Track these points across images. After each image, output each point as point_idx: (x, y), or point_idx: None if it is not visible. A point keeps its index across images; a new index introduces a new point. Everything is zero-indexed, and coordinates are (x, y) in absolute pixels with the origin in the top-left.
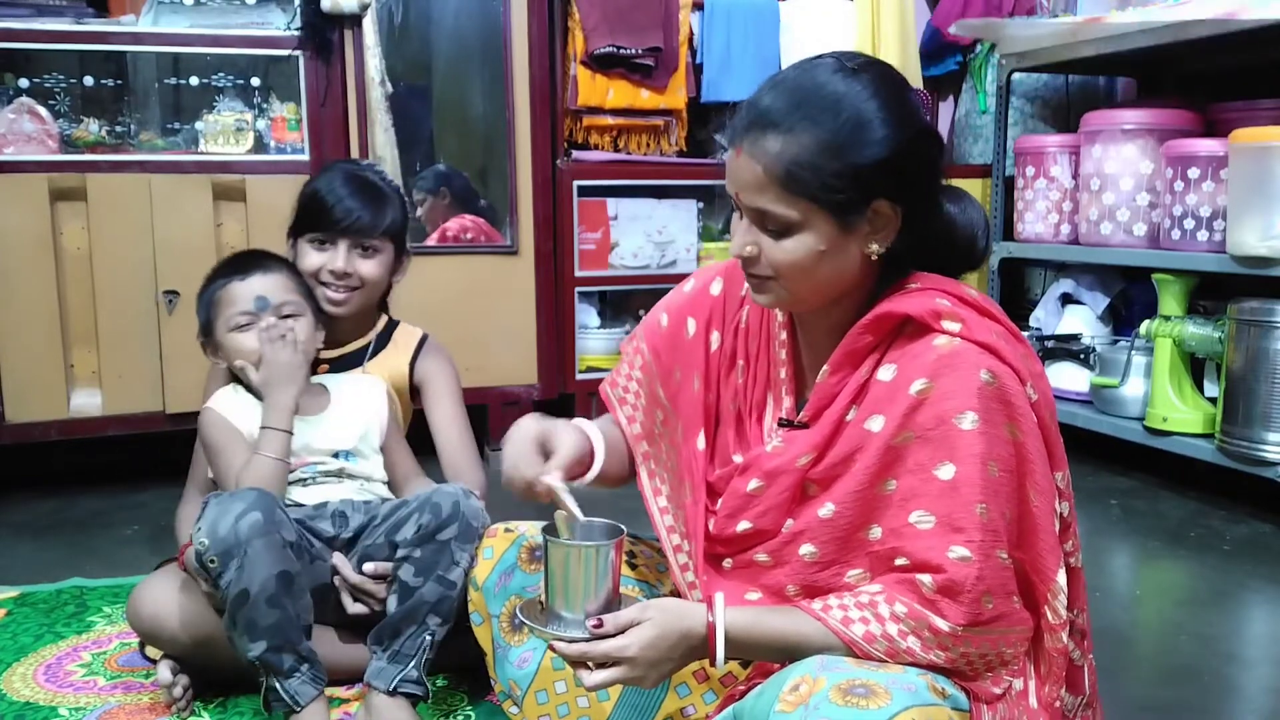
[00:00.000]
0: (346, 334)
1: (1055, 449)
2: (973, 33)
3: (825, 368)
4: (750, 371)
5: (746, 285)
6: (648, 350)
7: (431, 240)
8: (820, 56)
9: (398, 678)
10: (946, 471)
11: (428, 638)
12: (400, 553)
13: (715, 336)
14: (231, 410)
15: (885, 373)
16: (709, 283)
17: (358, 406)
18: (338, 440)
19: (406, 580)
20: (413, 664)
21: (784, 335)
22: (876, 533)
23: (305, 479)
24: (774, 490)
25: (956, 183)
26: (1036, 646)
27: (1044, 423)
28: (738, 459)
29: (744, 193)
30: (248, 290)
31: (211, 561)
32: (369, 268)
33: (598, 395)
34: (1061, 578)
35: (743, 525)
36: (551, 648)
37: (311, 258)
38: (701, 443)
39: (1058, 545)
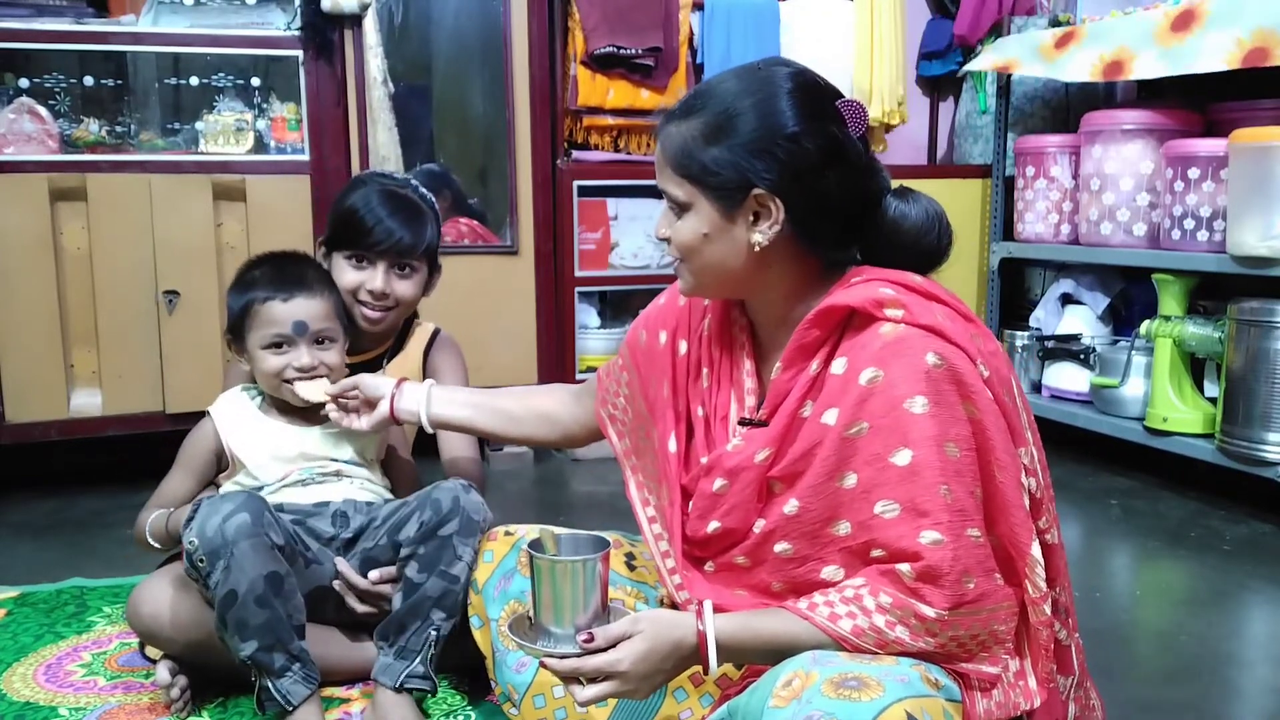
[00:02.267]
0: (369, 342)
1: (1015, 425)
2: (988, 66)
3: (778, 364)
4: (714, 376)
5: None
6: (631, 366)
7: None
8: (750, 63)
9: (404, 674)
10: (903, 457)
11: (433, 633)
12: (404, 551)
13: (683, 345)
14: (230, 416)
15: (837, 366)
16: (677, 295)
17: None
18: (333, 450)
19: (411, 577)
20: (418, 659)
21: (744, 338)
22: (844, 528)
23: (303, 480)
24: (737, 488)
25: (956, 183)
26: (1023, 623)
27: (999, 399)
28: (705, 461)
29: (657, 175)
30: (289, 314)
31: (200, 561)
32: (405, 288)
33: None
34: (1036, 550)
35: (713, 525)
36: (543, 664)
37: (349, 275)
38: (673, 445)
39: (1029, 519)
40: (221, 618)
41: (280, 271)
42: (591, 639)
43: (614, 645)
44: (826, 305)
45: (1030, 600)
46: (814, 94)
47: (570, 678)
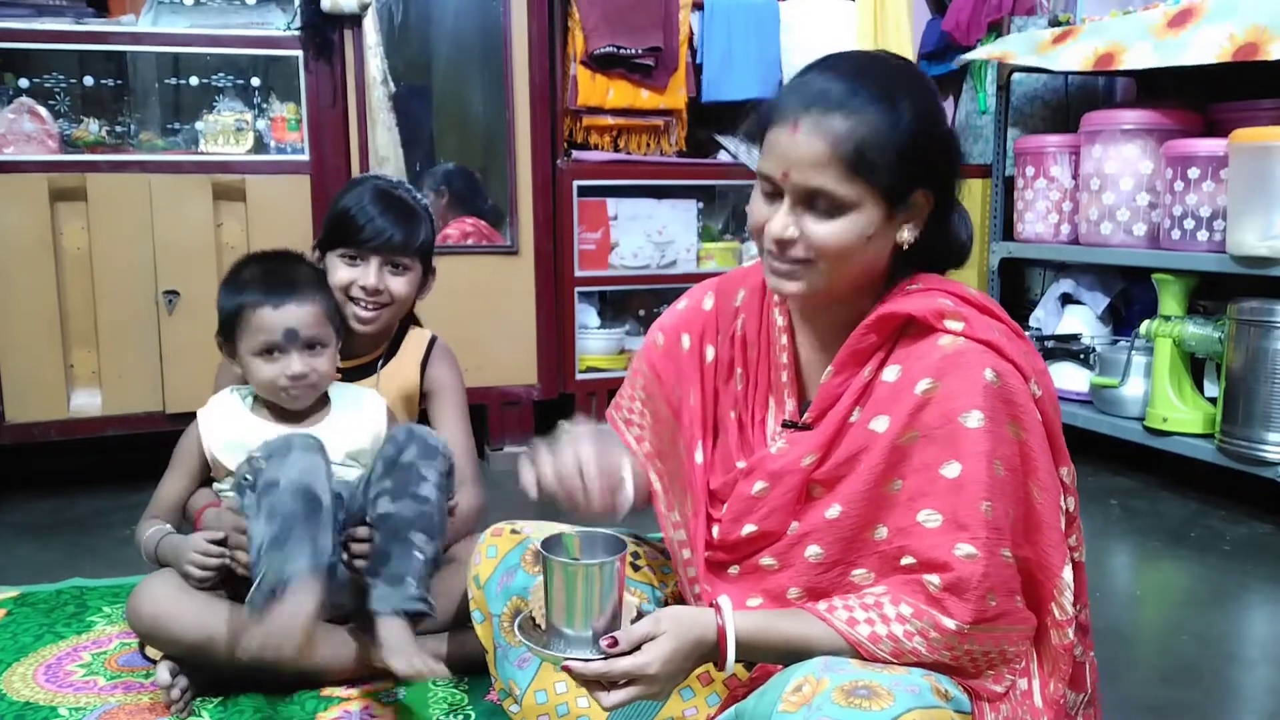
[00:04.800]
0: (364, 346)
1: (1059, 444)
2: (985, 55)
3: (829, 369)
4: (749, 378)
5: (742, 293)
6: (648, 369)
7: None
8: (869, 51)
9: (400, 598)
10: (952, 470)
11: (418, 555)
12: (373, 491)
13: (710, 350)
14: (220, 418)
15: (890, 373)
16: (701, 299)
17: (354, 422)
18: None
19: (384, 510)
20: (410, 582)
21: (784, 340)
22: (882, 533)
23: None
24: (778, 491)
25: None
26: (1042, 643)
27: (1048, 418)
28: (741, 465)
29: (797, 170)
30: (280, 321)
31: (258, 462)
32: (399, 285)
33: (598, 397)
34: (1068, 574)
35: (748, 529)
36: (566, 669)
37: (342, 273)
38: (700, 455)
39: (1063, 541)
40: (257, 502)
41: (272, 275)
42: (615, 643)
43: (637, 648)
44: (887, 311)
45: (1055, 623)
46: (937, 94)
47: (595, 683)
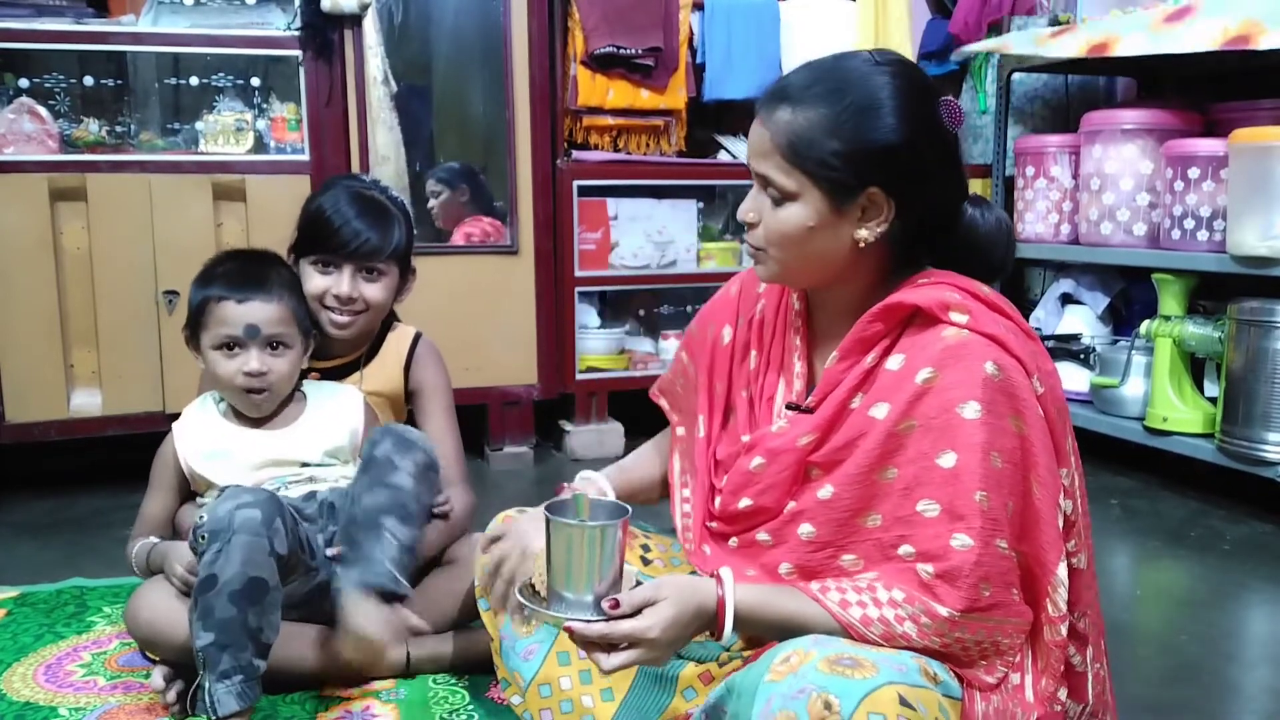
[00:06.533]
0: (345, 347)
1: (1061, 445)
2: (983, 48)
3: (834, 354)
4: (763, 358)
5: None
6: (685, 355)
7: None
8: (858, 50)
9: (362, 576)
10: (948, 460)
11: (388, 537)
12: (355, 492)
13: (726, 331)
14: (192, 434)
15: (893, 362)
16: (729, 288)
17: (330, 419)
18: (304, 453)
19: (360, 504)
20: (377, 564)
21: (799, 323)
22: (875, 520)
23: (275, 489)
24: (774, 468)
25: None
26: (1036, 639)
27: (1050, 417)
28: (746, 439)
29: (753, 158)
30: (241, 316)
31: (202, 538)
32: (374, 291)
33: (598, 397)
34: (1062, 571)
35: (744, 502)
36: (567, 630)
37: (315, 281)
38: (701, 429)
39: (1059, 539)
40: (195, 599)
41: (241, 271)
42: (617, 605)
43: (638, 611)
44: (893, 301)
45: (1048, 619)
46: (928, 94)
47: (595, 645)
